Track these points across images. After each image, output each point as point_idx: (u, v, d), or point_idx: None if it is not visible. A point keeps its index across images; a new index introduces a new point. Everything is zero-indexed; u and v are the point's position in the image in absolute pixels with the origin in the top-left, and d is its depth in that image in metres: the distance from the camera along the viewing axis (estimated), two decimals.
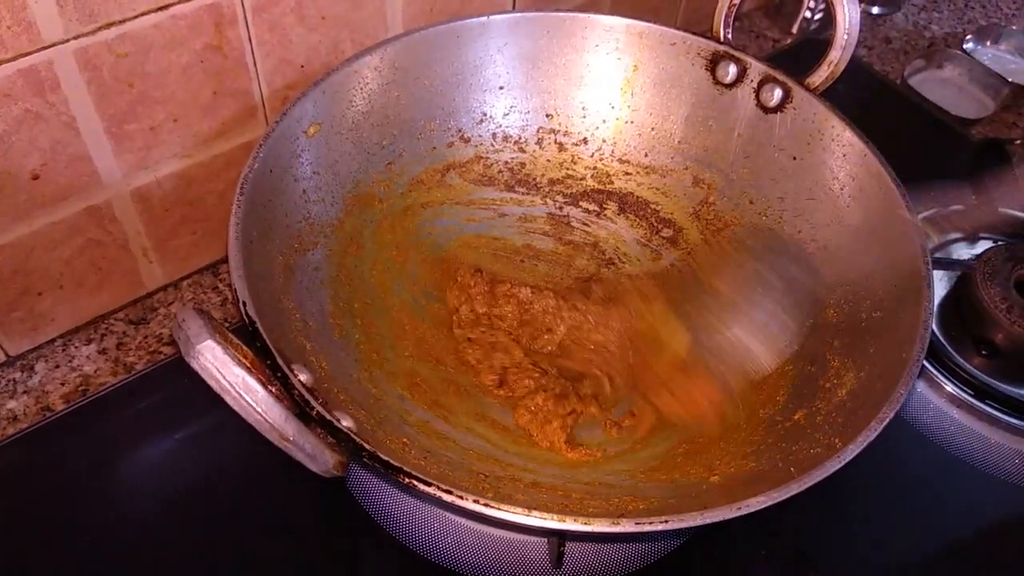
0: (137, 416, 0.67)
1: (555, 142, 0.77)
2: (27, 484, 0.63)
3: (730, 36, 0.72)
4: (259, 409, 0.43)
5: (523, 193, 0.76)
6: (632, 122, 0.76)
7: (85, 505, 0.62)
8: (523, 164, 0.76)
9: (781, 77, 0.68)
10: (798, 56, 1.04)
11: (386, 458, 0.45)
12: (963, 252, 0.80)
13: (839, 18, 0.65)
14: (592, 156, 0.77)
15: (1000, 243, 0.77)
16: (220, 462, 0.65)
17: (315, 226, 0.64)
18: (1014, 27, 1.08)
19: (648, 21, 0.73)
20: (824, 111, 0.66)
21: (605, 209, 0.76)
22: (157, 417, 0.67)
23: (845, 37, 0.65)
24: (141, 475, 0.64)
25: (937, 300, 0.74)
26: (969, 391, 0.71)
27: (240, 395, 0.42)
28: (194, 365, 0.42)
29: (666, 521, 0.45)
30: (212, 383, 0.42)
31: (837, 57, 0.66)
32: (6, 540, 0.60)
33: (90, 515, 0.62)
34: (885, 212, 0.62)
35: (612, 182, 0.77)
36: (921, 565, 0.65)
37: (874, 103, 1.00)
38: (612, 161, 0.77)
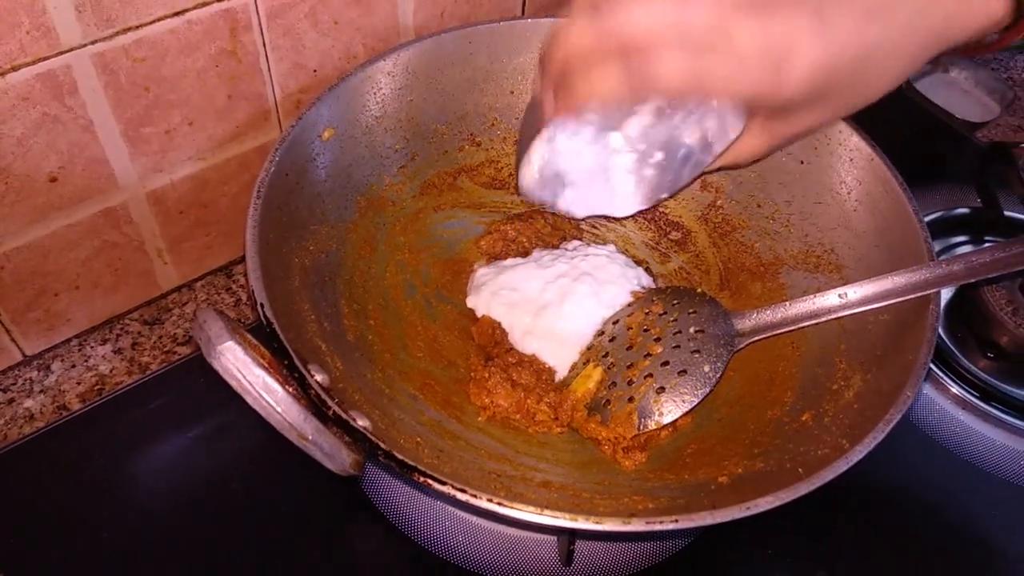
0: (152, 415, 0.68)
1: None
2: (44, 482, 0.64)
3: None
4: (279, 409, 0.43)
5: None
6: None
7: (101, 503, 0.63)
8: None
9: None
10: None
11: (401, 457, 0.46)
12: None
13: None
14: None
15: None
16: (233, 460, 0.66)
17: (329, 229, 0.65)
18: None
19: None
20: None
21: None
22: (171, 416, 0.68)
23: None
24: (156, 473, 0.65)
25: (943, 303, 0.75)
26: (975, 393, 0.72)
27: (260, 395, 0.43)
28: (215, 365, 0.43)
29: (676, 520, 0.45)
30: (233, 383, 0.43)
31: None
32: (23, 537, 0.61)
33: (106, 513, 0.62)
34: (892, 216, 0.62)
35: None
36: (926, 565, 0.65)
37: (879, 106, 0.99)
38: None
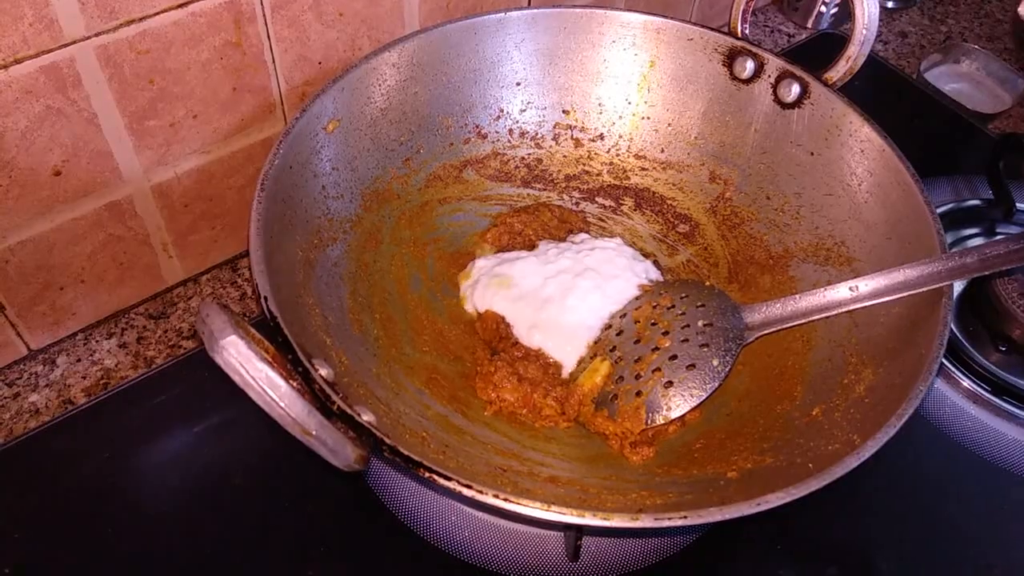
0: (157, 409, 0.68)
1: (571, 138, 0.77)
2: (49, 476, 0.64)
3: (747, 31, 0.72)
4: (282, 404, 0.43)
5: (539, 189, 0.77)
6: (649, 118, 0.76)
7: (106, 497, 0.63)
8: (539, 160, 0.77)
9: (799, 72, 0.68)
10: (813, 51, 1.04)
11: (406, 452, 0.46)
12: None
13: (858, 13, 0.65)
14: (608, 152, 0.77)
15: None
16: (238, 455, 0.66)
17: (334, 221, 0.64)
18: None
19: (663, 16, 0.73)
20: (842, 106, 0.66)
21: (621, 205, 0.77)
22: (176, 410, 0.68)
23: (864, 32, 0.65)
24: (160, 468, 0.65)
25: (955, 296, 0.74)
26: (986, 387, 0.71)
27: (264, 390, 0.43)
28: (218, 360, 0.42)
29: (685, 517, 0.45)
30: (236, 378, 0.42)
31: (856, 52, 0.66)
32: (29, 531, 0.61)
33: (110, 507, 0.62)
34: (903, 208, 0.62)
35: (628, 178, 0.77)
36: (937, 561, 0.65)
37: (890, 98, 0.99)
38: (628, 157, 0.77)
